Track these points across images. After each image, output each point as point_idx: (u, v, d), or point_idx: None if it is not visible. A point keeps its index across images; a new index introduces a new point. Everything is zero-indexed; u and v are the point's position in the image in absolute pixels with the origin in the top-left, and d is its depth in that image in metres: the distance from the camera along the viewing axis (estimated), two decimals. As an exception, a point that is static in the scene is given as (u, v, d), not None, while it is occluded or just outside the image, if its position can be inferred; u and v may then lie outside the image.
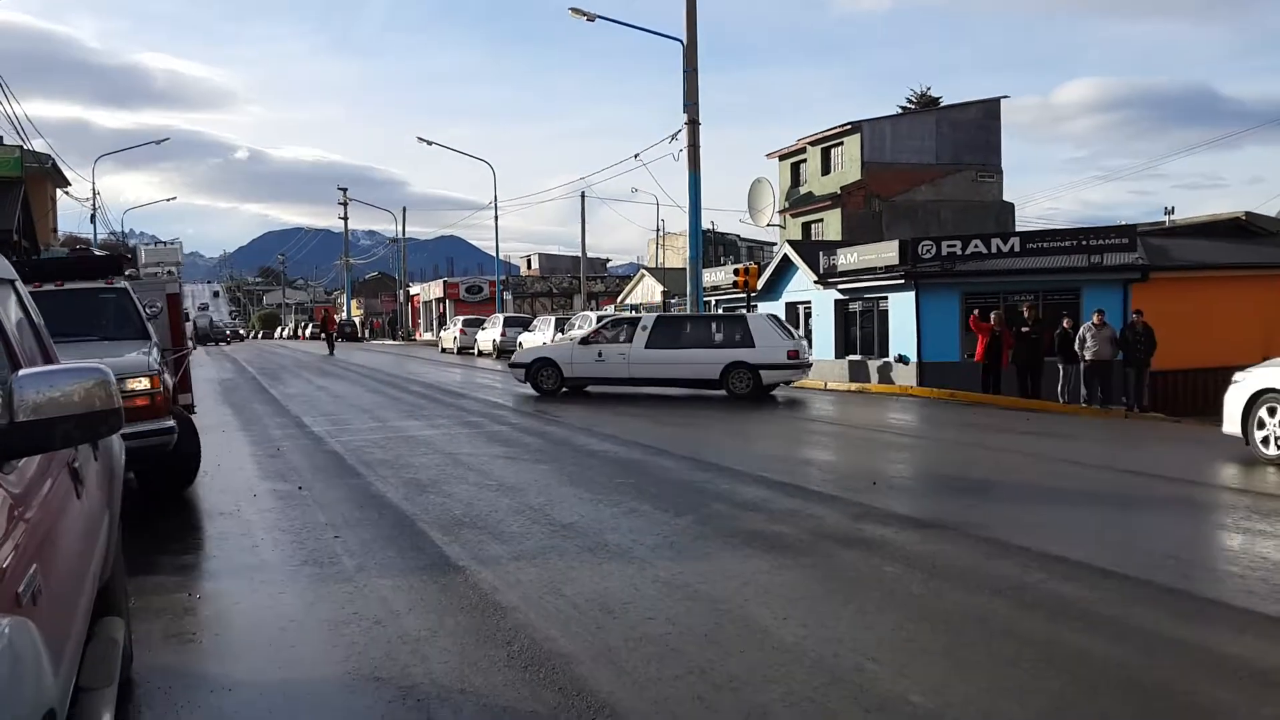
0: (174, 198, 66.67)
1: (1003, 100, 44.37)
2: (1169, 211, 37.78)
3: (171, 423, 8.14)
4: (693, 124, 27.58)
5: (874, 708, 3.96)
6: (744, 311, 23.63)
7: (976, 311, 20.98)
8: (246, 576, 6.22)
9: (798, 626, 4.95)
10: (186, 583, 6.08)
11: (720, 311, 28.92)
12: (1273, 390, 10.64)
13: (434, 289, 74.04)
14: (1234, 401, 11.14)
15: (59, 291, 9.18)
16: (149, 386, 7.86)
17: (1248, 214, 29.93)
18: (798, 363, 18.91)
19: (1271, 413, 10.61)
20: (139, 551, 6.33)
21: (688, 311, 26.90)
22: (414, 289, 79.61)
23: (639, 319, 19.90)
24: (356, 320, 79.66)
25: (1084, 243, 22.67)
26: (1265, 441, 10.67)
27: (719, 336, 19.07)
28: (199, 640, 5.01)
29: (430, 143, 50.20)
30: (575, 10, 27.51)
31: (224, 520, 7.92)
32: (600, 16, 27.62)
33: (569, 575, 5.94)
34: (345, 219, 76.70)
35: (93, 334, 8.88)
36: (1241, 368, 11.68)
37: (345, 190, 75.64)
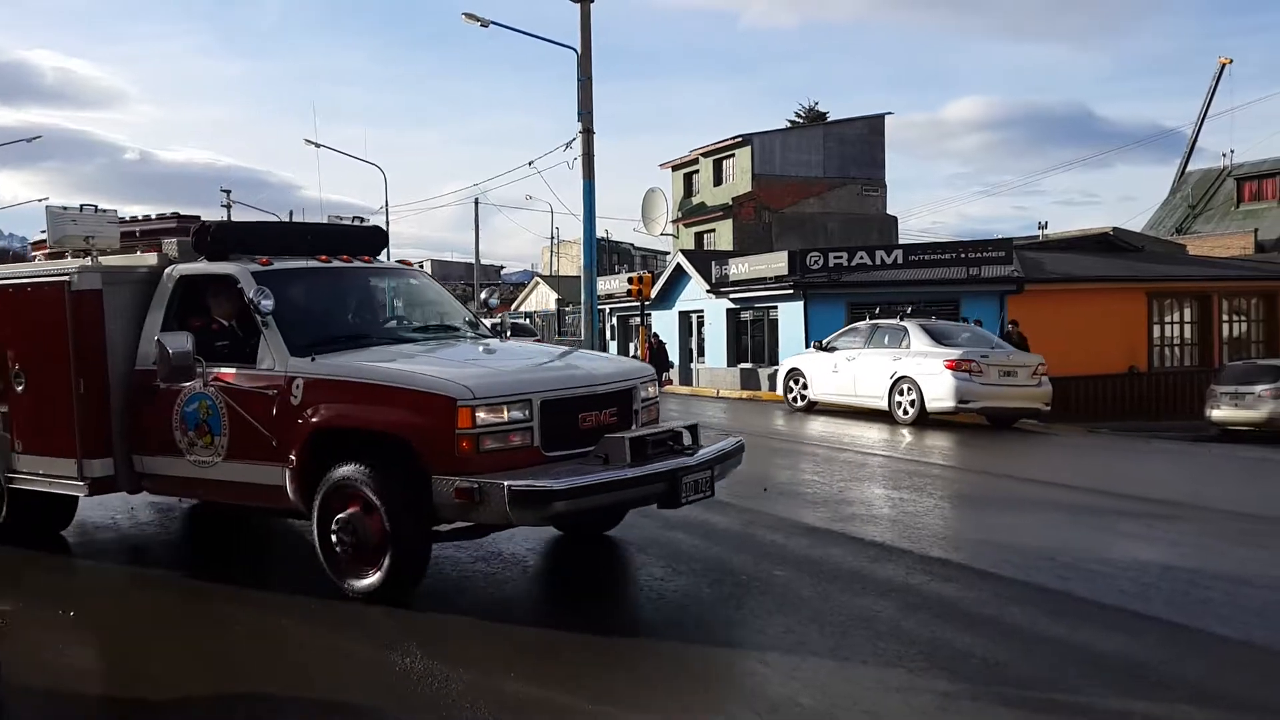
0: (46, 199, 63.52)
1: (892, 117, 45.68)
2: (1042, 226, 39.45)
3: (740, 439, 6.54)
4: (587, 133, 27.55)
5: (766, 710, 4.01)
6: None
7: None
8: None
9: (691, 631, 4.98)
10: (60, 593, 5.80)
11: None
12: (796, 369, 17.65)
13: (321, 295, 72.18)
14: (779, 376, 18.38)
15: (347, 270, 6.91)
16: (656, 394, 6.55)
17: (1115, 229, 31.48)
18: None
19: (796, 382, 17.56)
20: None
21: (583, 320, 26.85)
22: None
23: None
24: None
25: (963, 255, 23.49)
26: (792, 400, 17.65)
27: None
28: (63, 657, 4.78)
29: (318, 145, 49.01)
30: (469, 15, 27.23)
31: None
32: (494, 23, 27.38)
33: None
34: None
35: (418, 330, 6.89)
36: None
37: (229, 192, 73.18)
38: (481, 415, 5.13)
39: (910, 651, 4.70)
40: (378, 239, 7.52)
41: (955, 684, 4.30)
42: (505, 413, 5.21)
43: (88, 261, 6.63)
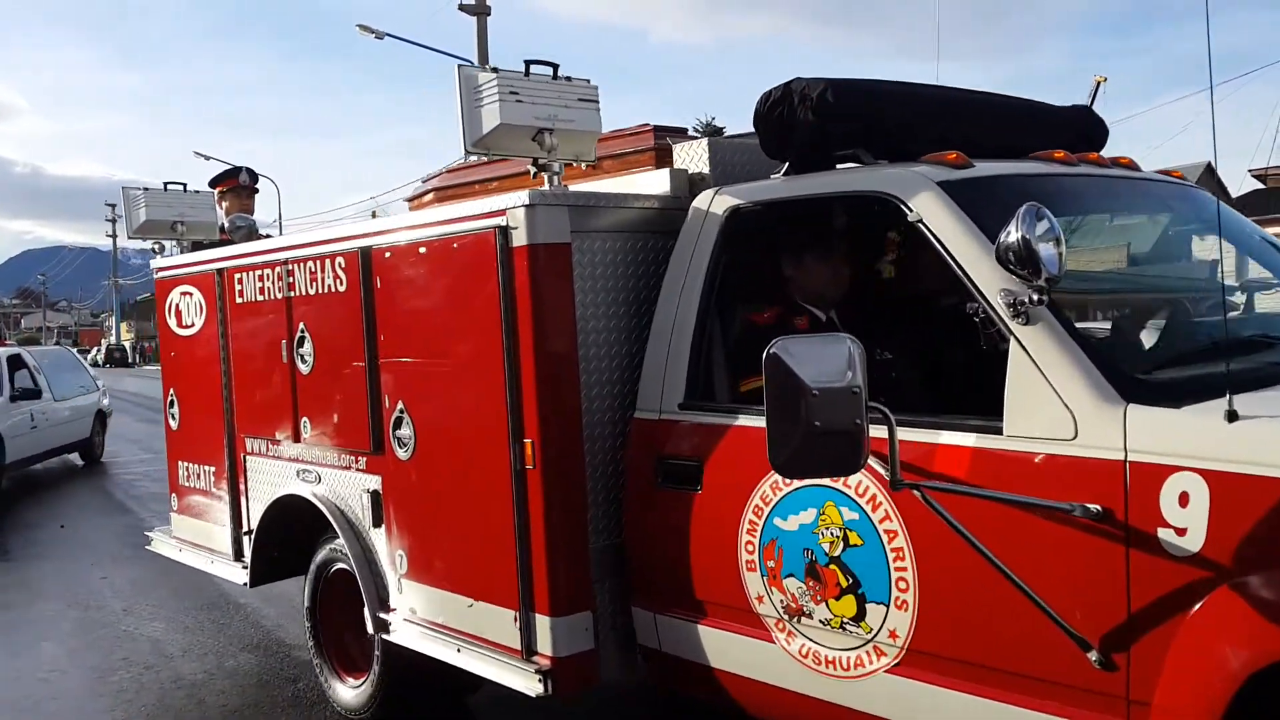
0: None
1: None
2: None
3: None
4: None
5: None
6: None
7: None
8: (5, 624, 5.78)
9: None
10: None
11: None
12: None
13: (214, 311, 70.40)
14: None
15: (1120, 184, 3.42)
16: None
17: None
18: None
19: None
20: None
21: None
22: (192, 311, 75.33)
23: None
24: (127, 345, 74.73)
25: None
26: None
27: None
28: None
29: (208, 158, 47.85)
30: (363, 27, 26.94)
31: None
32: (390, 35, 27.17)
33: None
34: (114, 236, 71.92)
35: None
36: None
37: (114, 206, 70.99)
38: None
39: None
40: (1098, 128, 3.88)
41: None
42: None
43: (544, 188, 3.20)
